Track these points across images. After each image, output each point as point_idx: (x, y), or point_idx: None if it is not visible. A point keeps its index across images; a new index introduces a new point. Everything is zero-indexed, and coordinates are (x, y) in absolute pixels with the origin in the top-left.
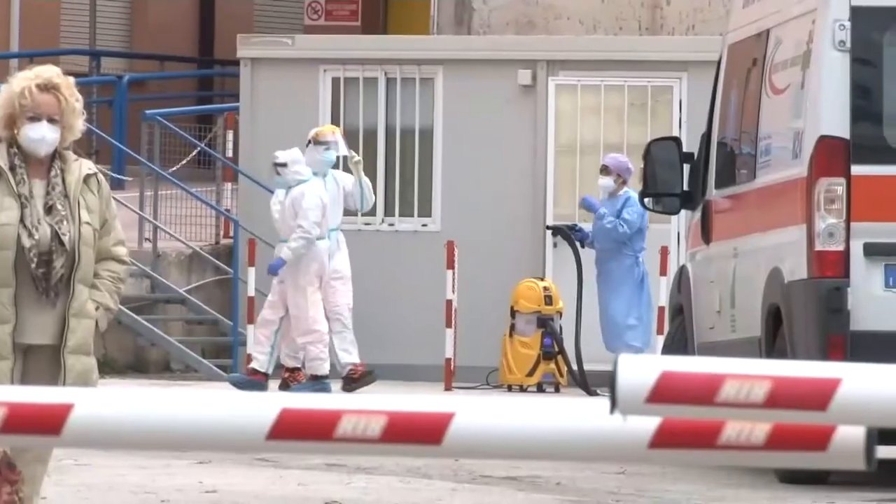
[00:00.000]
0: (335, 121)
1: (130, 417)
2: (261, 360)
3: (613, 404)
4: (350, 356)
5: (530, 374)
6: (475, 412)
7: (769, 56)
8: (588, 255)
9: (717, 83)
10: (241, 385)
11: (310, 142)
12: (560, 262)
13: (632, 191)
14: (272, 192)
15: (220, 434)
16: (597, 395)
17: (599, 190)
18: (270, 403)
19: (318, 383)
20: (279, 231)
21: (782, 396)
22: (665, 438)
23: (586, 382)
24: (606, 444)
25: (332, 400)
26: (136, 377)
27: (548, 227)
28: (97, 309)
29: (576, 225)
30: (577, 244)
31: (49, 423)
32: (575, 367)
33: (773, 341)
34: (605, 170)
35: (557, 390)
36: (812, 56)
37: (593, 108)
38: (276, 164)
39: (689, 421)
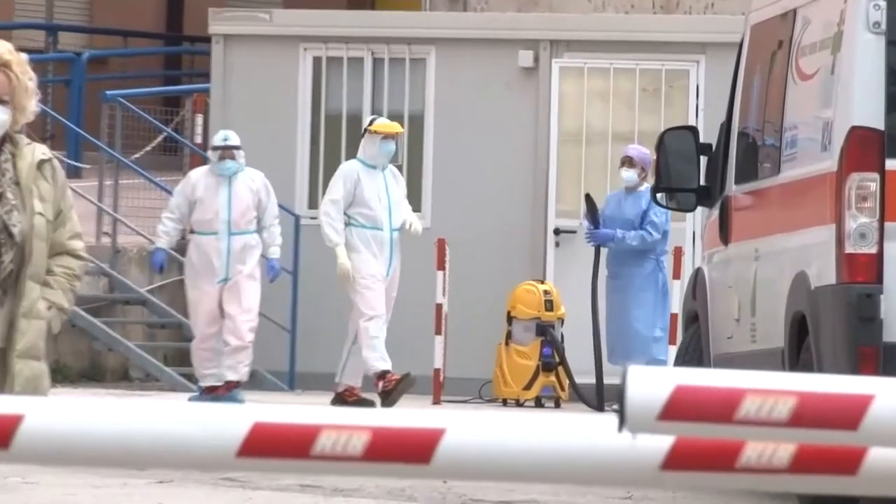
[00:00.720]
0: (316, 105)
1: (84, 430)
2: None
3: (622, 421)
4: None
5: (528, 387)
6: (467, 428)
7: (796, 38)
8: (586, 252)
9: (739, 67)
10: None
11: (366, 130)
12: (562, 263)
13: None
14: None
15: (184, 450)
16: (604, 410)
17: (623, 182)
18: (241, 416)
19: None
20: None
21: (808, 414)
22: (678, 459)
23: (602, 399)
24: (613, 465)
25: (310, 413)
26: (91, 386)
27: (556, 232)
28: (49, 309)
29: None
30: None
31: None
32: (590, 377)
33: (798, 353)
34: (628, 161)
35: (558, 405)
36: (843, 38)
37: (601, 93)
38: (232, 147)
39: (706, 440)
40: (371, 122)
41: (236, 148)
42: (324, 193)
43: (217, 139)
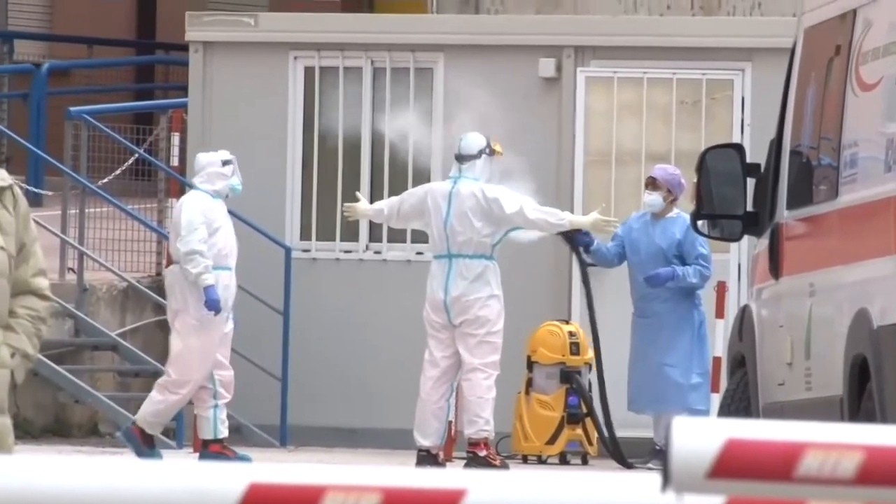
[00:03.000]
0: (308, 120)
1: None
2: None
3: (666, 480)
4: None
5: (552, 441)
6: (490, 489)
7: (856, 42)
8: (615, 287)
9: (790, 76)
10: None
11: (484, 151)
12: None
13: (683, 213)
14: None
15: None
16: (633, 467)
17: (646, 207)
18: (236, 477)
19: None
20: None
21: (876, 470)
22: None
23: (619, 450)
24: None
25: (314, 473)
26: (57, 442)
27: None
28: (13, 356)
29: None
30: (581, 251)
31: None
32: (625, 429)
33: (859, 401)
34: (652, 183)
35: (585, 462)
36: None
37: (633, 106)
38: (226, 163)
39: (762, 501)
40: (489, 143)
41: (228, 163)
42: (318, 223)
43: (223, 154)
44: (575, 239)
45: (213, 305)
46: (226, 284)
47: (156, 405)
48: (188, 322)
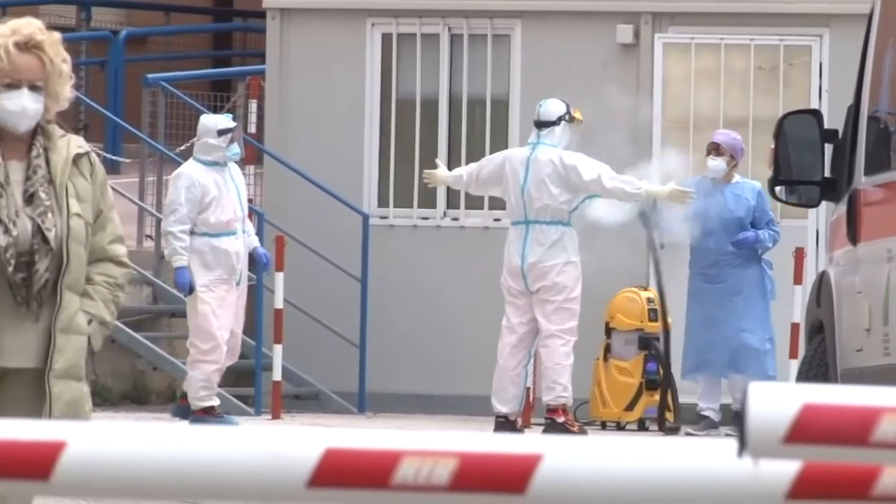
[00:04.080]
0: (386, 87)
1: (134, 459)
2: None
3: (743, 445)
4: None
5: (630, 407)
6: (567, 455)
7: None
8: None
9: (869, 42)
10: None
11: (564, 118)
12: (669, 266)
13: (747, 179)
14: (300, 176)
15: (247, 480)
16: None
17: (709, 173)
18: (312, 442)
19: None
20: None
21: None
22: (806, 488)
23: (663, 416)
24: (733, 495)
25: (390, 438)
26: (135, 409)
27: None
28: (90, 323)
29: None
30: (654, 236)
31: (35, 465)
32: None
33: None
34: (716, 149)
35: (662, 428)
36: None
37: (711, 73)
38: (222, 132)
39: (838, 466)
40: (569, 109)
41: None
42: (395, 189)
43: (220, 122)
44: (649, 222)
45: (181, 287)
46: (233, 251)
47: (198, 382)
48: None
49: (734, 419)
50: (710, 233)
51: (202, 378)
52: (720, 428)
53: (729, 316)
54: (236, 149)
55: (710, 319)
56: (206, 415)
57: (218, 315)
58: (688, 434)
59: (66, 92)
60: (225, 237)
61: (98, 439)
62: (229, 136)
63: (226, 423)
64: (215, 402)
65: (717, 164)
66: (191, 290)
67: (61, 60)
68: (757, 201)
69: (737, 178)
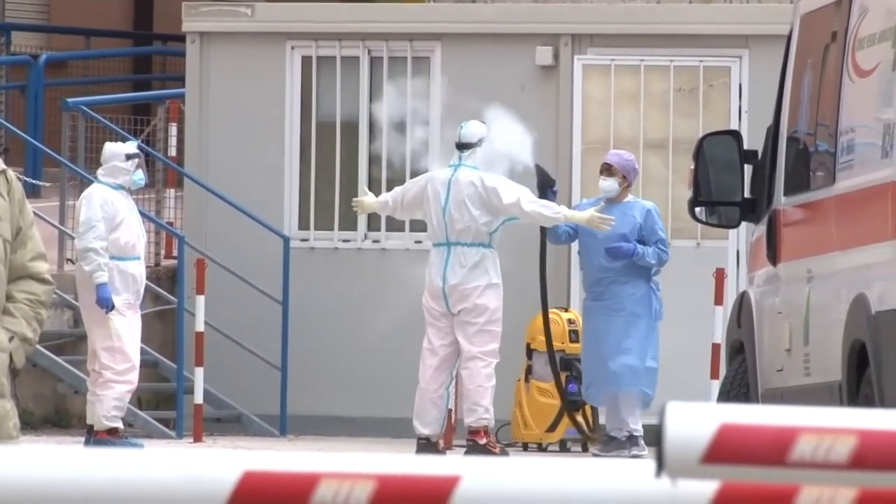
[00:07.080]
0: (306, 110)
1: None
2: None
3: (660, 465)
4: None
5: (551, 428)
6: (484, 476)
7: (852, 29)
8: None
9: (787, 63)
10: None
11: (484, 139)
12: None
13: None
14: (221, 199)
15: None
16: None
17: (602, 193)
18: (230, 465)
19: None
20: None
21: (870, 455)
22: None
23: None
24: None
25: (309, 460)
26: (56, 433)
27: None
28: (11, 340)
29: (554, 183)
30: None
31: None
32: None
33: (858, 387)
34: (607, 170)
35: (585, 449)
36: None
37: (631, 94)
38: (130, 157)
39: (755, 485)
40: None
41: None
42: (316, 212)
43: (128, 148)
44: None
45: (104, 303)
46: (135, 274)
47: (111, 401)
48: (105, 314)
49: (606, 443)
50: (598, 250)
51: (116, 398)
52: (630, 449)
53: (610, 334)
54: (142, 174)
55: (591, 338)
56: (110, 436)
57: (130, 337)
58: (594, 455)
59: None
60: (130, 261)
61: (17, 463)
62: (136, 160)
63: (131, 446)
64: (120, 424)
65: (609, 184)
66: (112, 306)
67: None
68: (645, 219)
69: (631, 197)
